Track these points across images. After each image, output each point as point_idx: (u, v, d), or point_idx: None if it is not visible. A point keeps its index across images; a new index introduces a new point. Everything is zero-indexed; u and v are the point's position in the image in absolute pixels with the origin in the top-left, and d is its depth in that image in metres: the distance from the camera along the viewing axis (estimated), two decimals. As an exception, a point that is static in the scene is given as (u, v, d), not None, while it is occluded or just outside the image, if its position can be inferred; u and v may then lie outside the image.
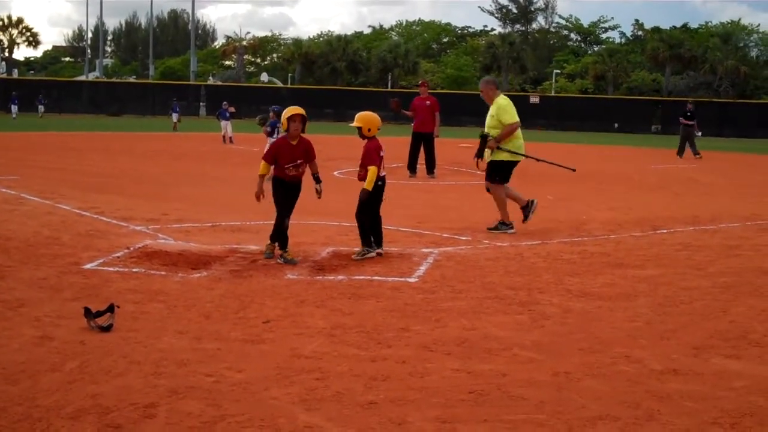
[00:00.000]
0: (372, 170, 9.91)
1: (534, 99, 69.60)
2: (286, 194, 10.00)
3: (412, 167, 21.79)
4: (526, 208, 12.60)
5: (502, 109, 12.45)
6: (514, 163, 12.72)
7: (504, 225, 12.40)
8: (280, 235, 9.86)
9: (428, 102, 21.93)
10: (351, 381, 5.68)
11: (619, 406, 5.35)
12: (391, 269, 9.41)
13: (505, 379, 5.82)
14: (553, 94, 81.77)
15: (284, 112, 9.88)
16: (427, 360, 6.21)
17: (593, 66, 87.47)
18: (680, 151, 34.04)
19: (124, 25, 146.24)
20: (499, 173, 12.64)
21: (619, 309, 7.96)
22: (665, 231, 12.96)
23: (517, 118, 12.51)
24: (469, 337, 6.82)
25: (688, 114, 33.73)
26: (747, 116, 65.80)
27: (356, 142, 10.25)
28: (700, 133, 35.41)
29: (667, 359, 6.41)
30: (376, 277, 9.00)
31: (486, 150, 12.56)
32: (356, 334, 6.82)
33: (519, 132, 12.63)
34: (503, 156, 12.53)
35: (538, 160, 13.20)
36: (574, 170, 14.85)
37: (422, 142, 21.74)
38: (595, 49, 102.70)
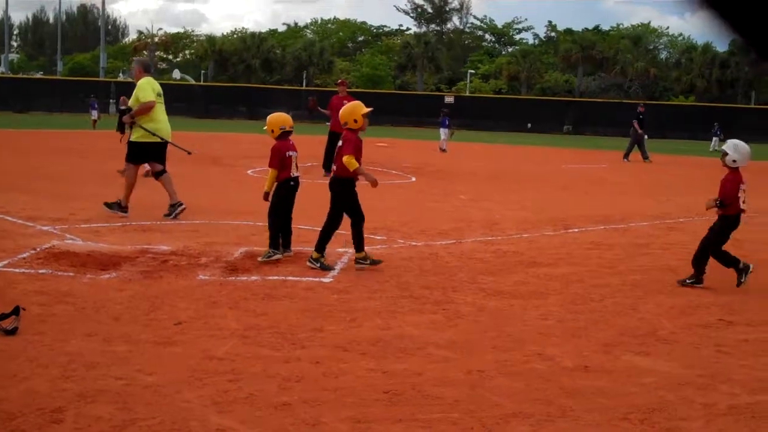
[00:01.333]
0: (271, 173, 9.82)
1: (449, 99, 70.14)
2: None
3: (327, 166, 21.70)
4: (174, 207, 12.82)
5: (140, 88, 12.97)
6: (153, 145, 12.96)
7: (119, 207, 12.79)
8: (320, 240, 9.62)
9: (345, 101, 21.86)
10: (264, 382, 5.61)
11: (532, 403, 5.40)
12: (306, 269, 9.35)
13: (419, 378, 5.83)
14: (467, 94, 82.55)
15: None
16: (341, 360, 6.17)
17: (507, 67, 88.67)
18: (643, 155, 32.97)
19: (31, 19, 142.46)
20: (134, 153, 13.02)
21: (532, 307, 8.05)
22: (576, 230, 13.18)
23: (152, 98, 12.89)
24: (383, 337, 6.81)
25: (641, 117, 33.15)
26: (656, 117, 67.47)
27: (270, 141, 10.15)
28: (646, 137, 34.75)
29: (578, 356, 6.50)
30: (290, 278, 8.93)
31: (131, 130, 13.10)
32: (270, 335, 6.74)
33: (160, 116, 13.02)
34: (141, 136, 12.89)
35: (168, 142, 13.19)
36: (189, 153, 14.96)
37: (338, 141, 21.71)
38: (509, 50, 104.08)
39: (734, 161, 9.29)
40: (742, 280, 9.28)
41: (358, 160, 9.77)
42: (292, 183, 9.96)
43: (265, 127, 10.11)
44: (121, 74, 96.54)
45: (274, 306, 7.72)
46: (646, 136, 33.78)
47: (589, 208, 15.96)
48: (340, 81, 23.82)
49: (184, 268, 9.20)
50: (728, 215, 9.30)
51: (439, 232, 12.31)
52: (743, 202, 9.27)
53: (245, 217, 12.71)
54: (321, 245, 9.57)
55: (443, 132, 36.60)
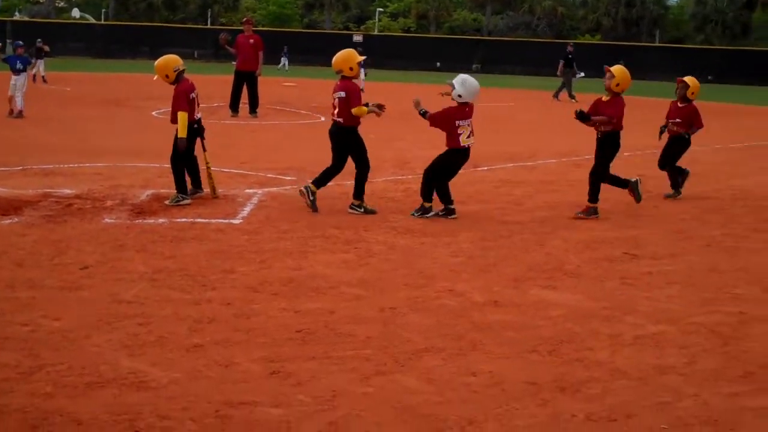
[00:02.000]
0: (182, 116, 9.51)
1: (357, 38, 69.54)
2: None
3: (234, 106, 21.36)
4: None
5: None
6: None
7: None
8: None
9: (252, 40, 21.50)
10: (175, 325, 5.55)
11: (444, 338, 5.47)
12: (215, 211, 9.23)
13: (332, 316, 5.84)
14: (376, 32, 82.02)
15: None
16: (253, 301, 6.14)
17: (416, 5, 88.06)
18: (556, 94, 32.70)
19: None
20: None
21: (443, 245, 8.12)
22: (486, 168, 13.29)
23: None
24: (295, 277, 6.79)
25: (569, 57, 32.58)
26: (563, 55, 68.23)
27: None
28: (582, 74, 34.22)
29: (488, 292, 6.59)
30: (198, 220, 8.80)
31: None
32: (179, 278, 6.66)
33: None
34: None
35: None
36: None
37: (245, 81, 21.34)
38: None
39: (459, 96, 9.40)
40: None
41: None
42: (195, 126, 9.73)
43: (155, 77, 9.77)
44: (17, 13, 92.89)
45: (183, 248, 7.61)
46: (582, 74, 33.37)
47: (498, 146, 16.09)
48: (245, 19, 23.33)
49: (89, 211, 8.98)
50: (450, 149, 9.53)
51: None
52: (467, 137, 9.43)
53: (151, 160, 12.44)
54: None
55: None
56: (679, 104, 11.38)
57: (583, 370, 5.04)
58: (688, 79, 11.37)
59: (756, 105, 34.94)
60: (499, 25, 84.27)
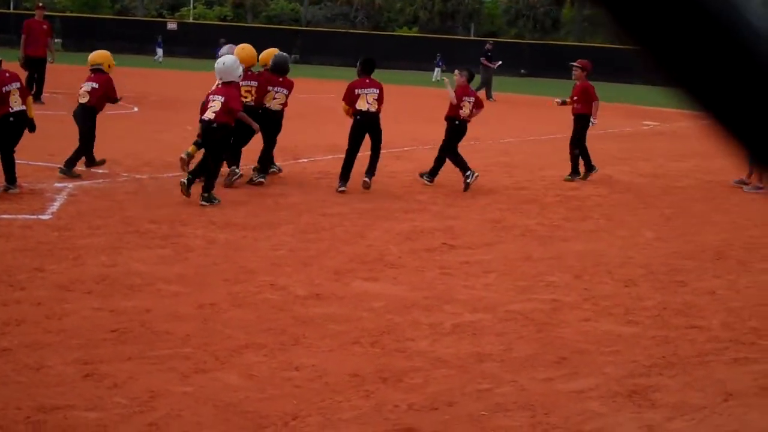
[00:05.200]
0: None
1: (171, 25, 67.96)
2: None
3: (37, 95, 20.56)
4: None
5: None
6: None
7: None
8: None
9: (45, 26, 21.00)
10: (-22, 329, 5.22)
11: (266, 333, 5.40)
12: (22, 206, 8.76)
13: (149, 315, 5.65)
14: (191, 20, 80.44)
15: None
16: (64, 300, 5.86)
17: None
18: (488, 94, 30.73)
19: None
20: None
21: (263, 238, 8.03)
22: (306, 159, 13.27)
23: None
24: (109, 274, 6.53)
25: (489, 54, 31.55)
26: (383, 47, 68.96)
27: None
28: (500, 62, 32.48)
29: (310, 284, 6.56)
30: (4, 216, 8.33)
31: None
32: (-17, 278, 6.27)
33: None
34: None
35: None
36: None
37: (35, 66, 20.62)
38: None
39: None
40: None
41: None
42: (11, 119, 9.20)
43: None
44: None
45: (-13, 246, 7.19)
46: (500, 62, 31.96)
47: (318, 138, 16.10)
48: (39, 5, 22.61)
49: None
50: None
51: (165, 164, 11.93)
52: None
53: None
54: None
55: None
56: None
57: (405, 360, 5.09)
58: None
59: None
60: (317, 15, 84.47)
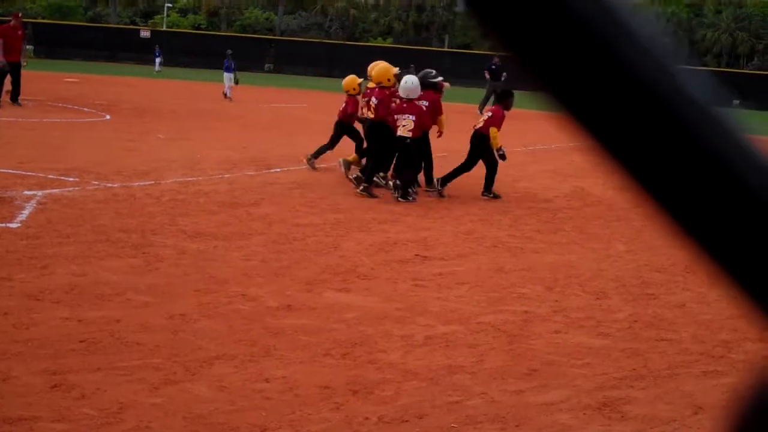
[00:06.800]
0: None
1: (145, 33, 67.64)
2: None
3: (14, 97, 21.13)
4: None
5: None
6: None
7: None
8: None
9: (19, 32, 21.82)
10: (-56, 339, 5.14)
11: (236, 345, 5.36)
12: (-9, 213, 8.67)
13: (118, 325, 5.60)
14: (164, 28, 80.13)
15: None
16: (33, 310, 5.79)
17: (207, 1, 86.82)
18: (481, 107, 29.06)
19: None
20: None
21: (235, 248, 7.98)
22: (279, 170, 13.23)
23: None
24: (79, 283, 6.46)
25: (493, 68, 30.78)
26: (358, 58, 69.02)
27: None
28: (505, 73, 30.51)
29: (281, 295, 6.53)
30: (-28, 223, 8.24)
31: None
32: (-51, 287, 6.19)
33: None
34: None
35: None
36: None
37: (10, 71, 21.41)
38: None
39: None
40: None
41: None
42: None
43: None
44: None
45: (-46, 255, 7.09)
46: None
47: (292, 148, 16.06)
48: (15, 13, 23.40)
49: None
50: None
51: (136, 172, 11.86)
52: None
53: None
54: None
55: (227, 77, 32.22)
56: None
57: (376, 372, 5.07)
58: None
59: (538, 110, 36.62)
60: (292, 24, 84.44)
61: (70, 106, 22.34)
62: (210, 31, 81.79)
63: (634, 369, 5.39)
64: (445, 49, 75.72)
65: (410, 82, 11.52)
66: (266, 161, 14.00)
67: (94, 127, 18.41)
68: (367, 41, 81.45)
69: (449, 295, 6.90)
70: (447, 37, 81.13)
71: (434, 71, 12.54)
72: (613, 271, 8.09)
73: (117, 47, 61.90)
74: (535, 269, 7.99)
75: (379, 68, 12.21)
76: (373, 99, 11.76)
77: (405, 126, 11.22)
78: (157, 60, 53.20)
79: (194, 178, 11.84)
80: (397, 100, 11.60)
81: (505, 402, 4.74)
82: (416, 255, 8.20)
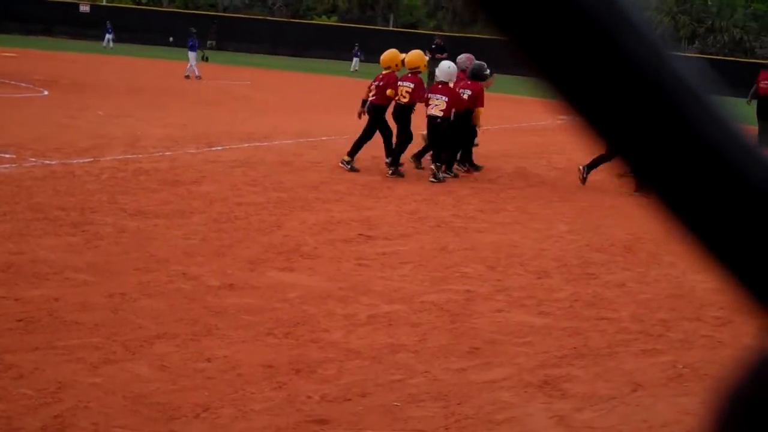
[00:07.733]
0: None
1: (84, 8, 66.37)
2: None
3: None
4: None
5: None
6: None
7: None
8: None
9: None
10: None
11: (177, 324, 5.30)
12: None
13: (57, 304, 5.50)
14: (105, 3, 78.76)
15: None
16: (-33, 289, 5.67)
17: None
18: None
19: None
20: None
21: (175, 227, 7.89)
22: (221, 147, 13.10)
23: None
24: (15, 262, 6.34)
25: (433, 47, 29.75)
26: (301, 36, 68.49)
27: None
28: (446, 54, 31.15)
29: (223, 275, 6.47)
30: None
31: None
32: None
33: None
34: None
35: None
36: None
37: None
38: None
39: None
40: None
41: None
42: None
43: None
44: None
45: None
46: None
47: (234, 125, 15.93)
48: None
49: None
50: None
51: (75, 149, 11.66)
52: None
53: None
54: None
55: (192, 56, 31.62)
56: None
57: (319, 352, 5.06)
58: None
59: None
60: (235, 1, 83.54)
61: (7, 81, 21.85)
62: (152, 6, 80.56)
63: (574, 347, 5.45)
64: (390, 28, 75.55)
65: (448, 66, 12.22)
66: (208, 139, 13.86)
67: (32, 102, 18.06)
68: (311, 19, 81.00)
69: (392, 274, 6.91)
70: (392, 16, 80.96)
71: (485, 65, 12.94)
72: (555, 251, 8.17)
73: (54, 21, 60.74)
74: (477, 249, 8.03)
75: (389, 54, 12.41)
76: (378, 83, 12.03)
77: (437, 105, 11.71)
78: (108, 36, 52.32)
79: (134, 156, 11.68)
80: (401, 83, 11.90)
81: (447, 380, 4.76)
82: (360, 234, 8.19)
